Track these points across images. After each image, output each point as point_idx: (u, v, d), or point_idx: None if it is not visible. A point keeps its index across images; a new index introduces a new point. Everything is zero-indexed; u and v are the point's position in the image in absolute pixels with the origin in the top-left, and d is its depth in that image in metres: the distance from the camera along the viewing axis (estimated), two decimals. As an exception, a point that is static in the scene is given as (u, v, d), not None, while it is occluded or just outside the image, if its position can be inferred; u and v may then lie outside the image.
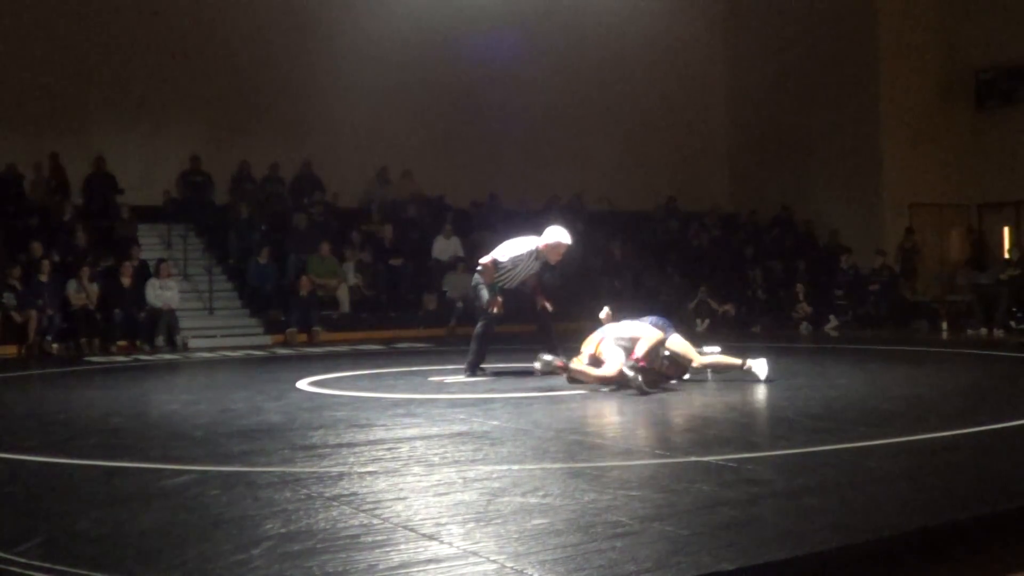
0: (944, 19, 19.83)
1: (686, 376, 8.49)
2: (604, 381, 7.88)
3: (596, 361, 8.05)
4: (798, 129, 20.56)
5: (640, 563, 3.19)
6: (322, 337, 15.38)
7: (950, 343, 13.68)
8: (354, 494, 4.27)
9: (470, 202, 19.47)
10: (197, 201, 17.43)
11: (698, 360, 8.50)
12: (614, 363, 7.85)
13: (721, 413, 6.93)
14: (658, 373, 8.10)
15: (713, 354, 8.75)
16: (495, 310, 9.02)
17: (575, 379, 8.08)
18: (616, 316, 8.57)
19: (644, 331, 8.06)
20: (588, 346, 8.20)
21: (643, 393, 7.47)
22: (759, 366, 8.30)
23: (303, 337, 15.38)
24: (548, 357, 8.10)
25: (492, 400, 7.49)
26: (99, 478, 4.91)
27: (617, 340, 8.01)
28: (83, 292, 14.19)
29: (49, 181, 16.49)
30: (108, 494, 4.46)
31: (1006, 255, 17.69)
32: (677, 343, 8.45)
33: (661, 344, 8.08)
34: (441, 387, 8.52)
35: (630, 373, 7.57)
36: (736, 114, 22.11)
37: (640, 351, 7.84)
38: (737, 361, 8.47)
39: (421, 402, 7.49)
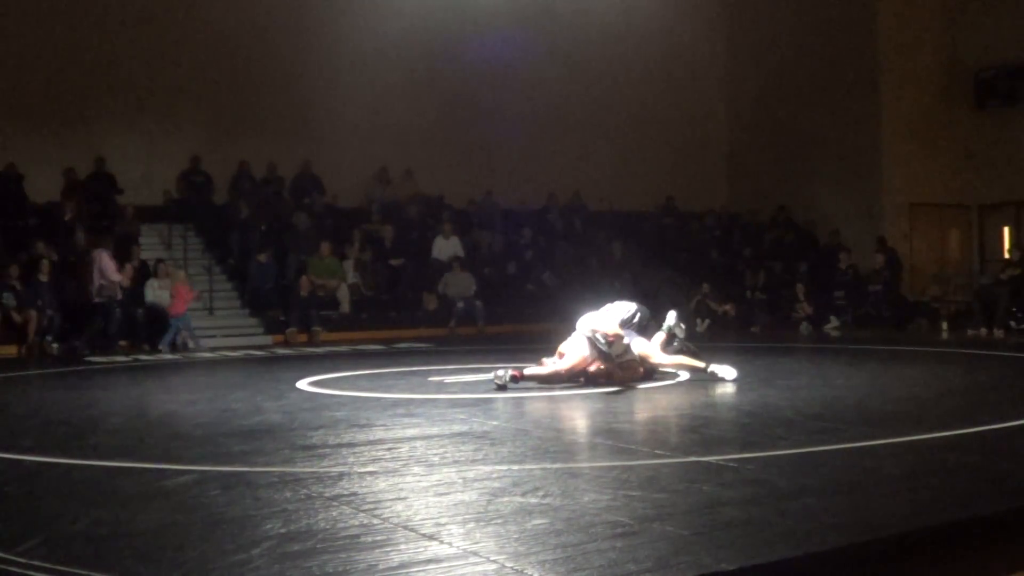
0: (944, 19, 19.82)
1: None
2: (558, 377, 8.01)
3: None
4: (798, 129, 20.55)
5: (640, 563, 3.19)
6: (322, 337, 15.37)
7: (950, 343, 13.68)
8: (354, 494, 4.27)
9: (468, 201, 19.47)
10: (197, 201, 17.42)
11: (664, 361, 8.54)
12: (569, 359, 8.06)
13: (721, 413, 6.94)
14: (624, 376, 8.16)
15: (678, 355, 8.75)
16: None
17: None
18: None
19: (611, 325, 8.20)
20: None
21: (605, 357, 7.84)
22: (724, 371, 8.37)
23: (303, 337, 15.37)
24: (502, 372, 8.06)
25: (492, 400, 7.49)
26: (99, 478, 4.91)
27: (585, 333, 8.14)
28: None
29: (66, 193, 16.44)
30: (108, 494, 4.46)
31: (1006, 255, 17.66)
32: (640, 346, 8.52)
33: (620, 341, 8.18)
34: (441, 387, 8.52)
35: (601, 340, 7.89)
36: (736, 114, 22.10)
37: (609, 331, 8.06)
38: (701, 364, 8.53)
39: (421, 402, 7.49)
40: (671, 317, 8.90)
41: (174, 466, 4.97)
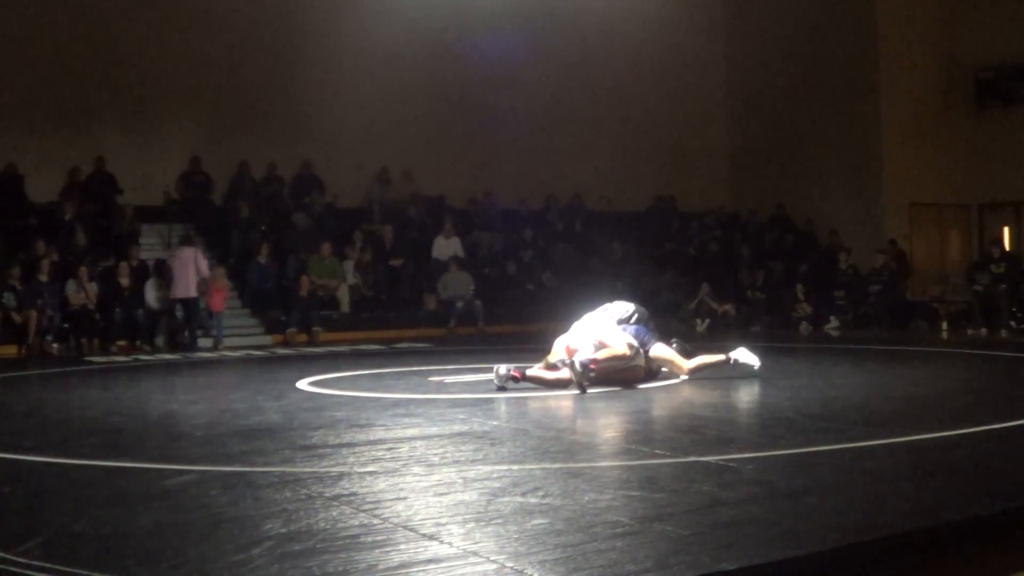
0: (944, 19, 19.83)
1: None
2: (561, 384, 7.93)
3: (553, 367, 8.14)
4: (798, 129, 20.55)
5: (640, 563, 3.19)
6: (322, 337, 15.38)
7: (950, 343, 13.68)
8: (354, 494, 4.27)
9: (468, 201, 19.48)
10: (197, 201, 17.42)
11: (686, 366, 8.52)
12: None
13: (721, 413, 6.93)
14: (625, 377, 8.11)
15: (699, 357, 8.74)
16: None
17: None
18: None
19: (614, 341, 8.08)
20: (560, 345, 8.27)
21: (582, 391, 7.58)
22: (744, 355, 8.44)
23: (303, 337, 15.38)
24: (503, 371, 8.00)
25: (492, 400, 7.49)
26: (99, 478, 4.91)
27: (588, 340, 8.06)
28: (82, 292, 14.20)
29: (66, 193, 16.43)
30: (108, 494, 4.46)
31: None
32: (661, 352, 8.50)
33: (622, 360, 8.06)
34: (441, 387, 8.52)
35: (579, 368, 7.65)
36: (736, 114, 22.10)
37: (600, 356, 7.89)
38: (721, 357, 8.57)
39: (421, 402, 7.49)
40: (740, 351, 8.71)
41: (174, 466, 4.97)
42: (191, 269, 14.57)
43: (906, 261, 18.08)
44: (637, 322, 8.49)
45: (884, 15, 19.49)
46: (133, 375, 10.89)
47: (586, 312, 8.56)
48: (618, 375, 8.05)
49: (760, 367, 8.43)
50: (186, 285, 14.49)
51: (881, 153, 19.46)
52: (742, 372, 8.37)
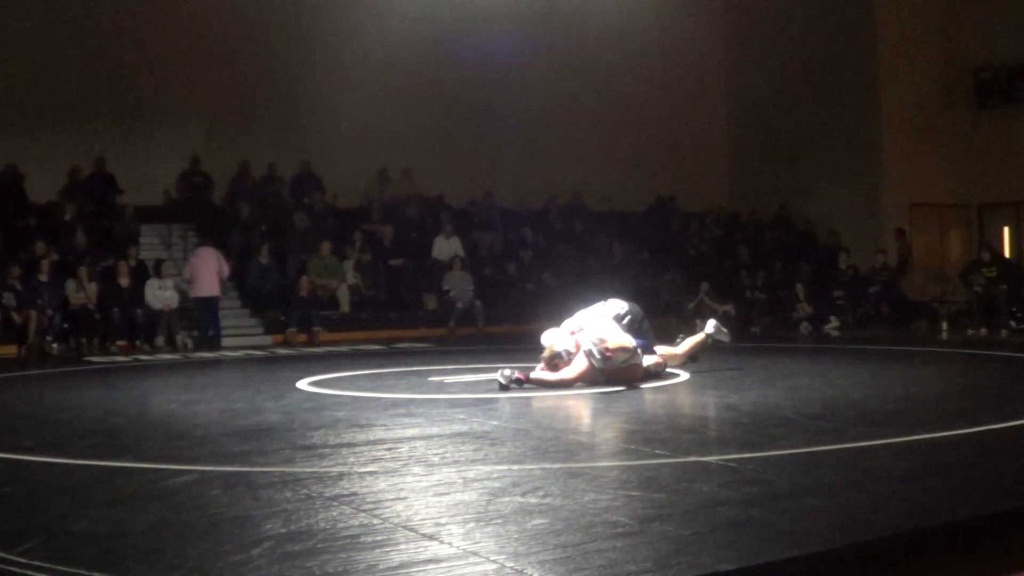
0: (944, 19, 19.84)
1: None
2: (564, 384, 7.92)
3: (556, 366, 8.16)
4: (798, 129, 20.56)
5: (640, 563, 3.19)
6: (322, 337, 15.38)
7: (950, 343, 13.67)
8: (354, 494, 4.26)
9: (468, 201, 19.49)
10: (197, 201, 17.43)
11: (677, 352, 8.79)
12: (576, 366, 7.94)
13: (721, 413, 6.92)
14: (625, 377, 8.13)
15: (684, 343, 9.15)
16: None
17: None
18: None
19: (613, 336, 8.10)
20: (547, 339, 8.30)
21: (602, 376, 7.74)
22: (716, 331, 9.08)
23: (303, 337, 15.38)
24: (508, 372, 8.01)
25: (492, 400, 7.49)
26: (99, 478, 4.91)
27: (586, 335, 8.07)
28: (82, 291, 14.21)
29: (66, 193, 16.46)
30: (108, 494, 4.46)
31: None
32: (659, 350, 8.81)
33: (627, 352, 8.07)
34: (441, 387, 8.51)
35: (597, 355, 7.70)
36: (736, 114, 22.11)
37: (610, 344, 7.93)
38: (700, 336, 9.08)
39: (421, 402, 7.49)
40: (710, 325, 9.29)
41: (174, 466, 4.97)
42: (213, 268, 14.64)
43: (911, 254, 18.10)
44: (631, 322, 8.51)
45: (884, 15, 19.50)
46: (133, 375, 10.89)
47: (580, 310, 8.58)
48: (619, 374, 8.05)
49: (730, 340, 9.29)
50: (211, 284, 14.61)
51: (881, 153, 19.47)
52: (742, 372, 8.38)
